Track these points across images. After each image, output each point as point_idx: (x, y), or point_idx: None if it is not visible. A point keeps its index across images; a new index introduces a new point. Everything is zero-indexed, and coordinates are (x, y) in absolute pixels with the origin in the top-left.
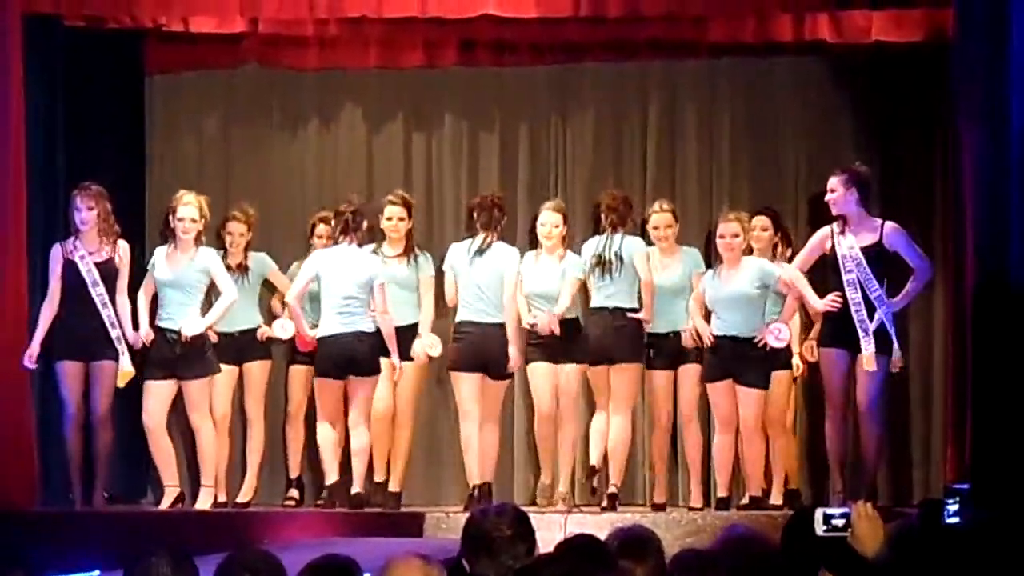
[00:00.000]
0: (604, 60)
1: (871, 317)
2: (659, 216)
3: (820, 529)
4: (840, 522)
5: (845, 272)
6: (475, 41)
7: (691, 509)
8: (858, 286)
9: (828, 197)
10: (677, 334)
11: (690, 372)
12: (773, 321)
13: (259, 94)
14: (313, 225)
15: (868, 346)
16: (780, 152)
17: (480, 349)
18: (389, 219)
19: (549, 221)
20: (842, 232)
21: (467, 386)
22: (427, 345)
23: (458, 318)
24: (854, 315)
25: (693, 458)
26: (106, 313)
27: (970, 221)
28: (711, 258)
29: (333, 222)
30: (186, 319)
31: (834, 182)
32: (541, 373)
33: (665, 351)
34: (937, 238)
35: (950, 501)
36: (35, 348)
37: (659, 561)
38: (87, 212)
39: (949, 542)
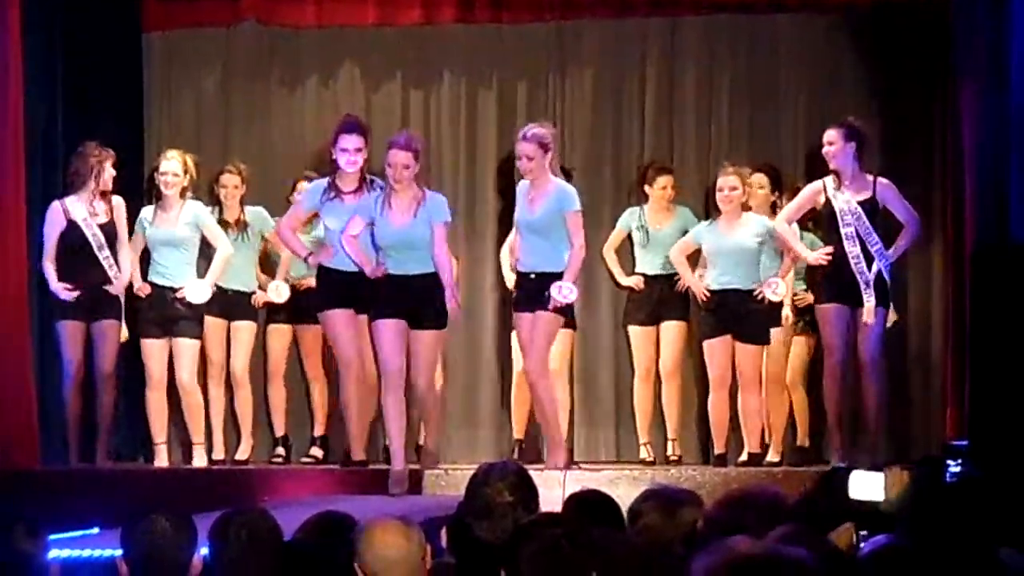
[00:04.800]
0: (603, 17)
1: (869, 269)
2: (664, 178)
3: (853, 491)
4: (873, 484)
5: (843, 226)
6: None
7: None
8: (857, 239)
9: (826, 150)
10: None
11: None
12: (770, 276)
13: (257, 52)
14: (295, 184)
15: (869, 298)
16: (780, 109)
17: None
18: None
19: None
20: (838, 187)
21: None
22: None
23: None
24: (853, 267)
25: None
26: (113, 274)
27: (970, 177)
28: (709, 214)
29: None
30: (189, 285)
31: (833, 135)
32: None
33: (645, 304)
34: (937, 194)
35: (952, 462)
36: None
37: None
38: (111, 173)
39: (958, 498)
